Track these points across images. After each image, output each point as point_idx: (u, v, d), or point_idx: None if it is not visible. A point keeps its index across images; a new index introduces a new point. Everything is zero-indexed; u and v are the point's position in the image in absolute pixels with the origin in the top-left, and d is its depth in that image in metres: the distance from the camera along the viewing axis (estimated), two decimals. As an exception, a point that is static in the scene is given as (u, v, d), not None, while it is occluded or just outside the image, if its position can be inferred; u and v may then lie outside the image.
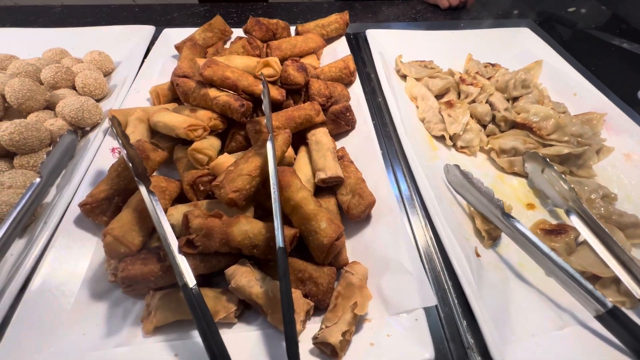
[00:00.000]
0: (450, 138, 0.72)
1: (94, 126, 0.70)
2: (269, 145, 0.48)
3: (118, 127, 0.51)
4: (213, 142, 0.59)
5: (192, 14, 1.17)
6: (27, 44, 0.89)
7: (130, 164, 0.46)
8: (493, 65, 0.90)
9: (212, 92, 0.60)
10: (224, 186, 0.47)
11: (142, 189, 0.45)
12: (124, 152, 0.48)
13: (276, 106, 0.65)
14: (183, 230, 0.44)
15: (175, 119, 0.58)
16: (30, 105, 0.67)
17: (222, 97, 0.59)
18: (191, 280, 0.40)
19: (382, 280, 0.48)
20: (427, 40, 0.99)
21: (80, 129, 0.69)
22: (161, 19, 1.12)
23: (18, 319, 0.42)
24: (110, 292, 0.48)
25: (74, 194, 0.55)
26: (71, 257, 0.49)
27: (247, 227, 0.45)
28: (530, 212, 0.64)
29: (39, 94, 0.68)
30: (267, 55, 0.76)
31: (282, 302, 0.38)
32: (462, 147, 0.72)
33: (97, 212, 0.50)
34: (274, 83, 0.64)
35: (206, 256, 0.46)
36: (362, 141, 0.67)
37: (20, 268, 0.47)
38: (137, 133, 0.61)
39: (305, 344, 0.42)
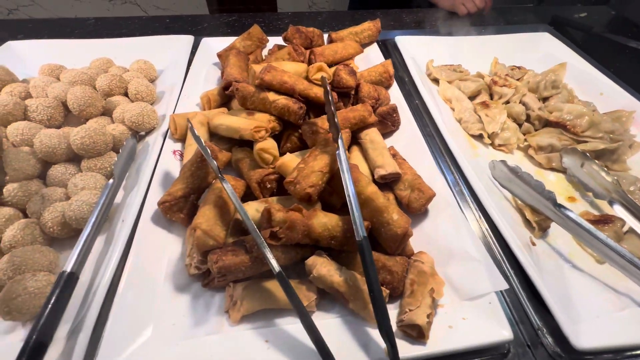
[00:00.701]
0: (489, 136, 0.76)
1: (149, 130, 0.73)
2: (340, 143, 0.51)
3: (193, 130, 0.54)
4: (273, 143, 0.62)
5: (221, 24, 1.22)
6: (69, 54, 0.92)
7: (214, 164, 0.49)
8: (519, 68, 0.94)
9: (271, 96, 0.63)
10: (300, 182, 0.50)
11: (227, 186, 0.47)
12: (207, 153, 0.50)
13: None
14: (264, 223, 0.47)
15: (239, 121, 0.61)
16: (90, 112, 0.70)
17: (281, 100, 0.63)
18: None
19: (449, 268, 0.50)
20: (452, 45, 1.03)
21: (137, 133, 0.72)
22: (192, 29, 1.16)
23: (115, 313, 0.44)
24: (189, 285, 0.51)
25: (146, 194, 0.58)
26: (152, 254, 0.51)
27: (325, 219, 0.48)
28: (572, 205, 0.67)
29: (98, 100, 0.71)
30: (310, 61, 0.80)
31: (372, 288, 0.40)
32: (499, 145, 0.76)
33: (174, 210, 0.53)
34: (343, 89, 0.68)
35: (286, 248, 0.48)
36: (408, 140, 0.70)
37: (106, 264, 0.50)
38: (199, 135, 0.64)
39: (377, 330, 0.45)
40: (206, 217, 0.48)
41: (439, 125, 0.74)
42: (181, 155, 0.67)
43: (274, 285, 0.47)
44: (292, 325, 0.45)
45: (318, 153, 0.54)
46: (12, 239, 0.52)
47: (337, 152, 0.51)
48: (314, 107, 0.67)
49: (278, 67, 0.65)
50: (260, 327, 0.46)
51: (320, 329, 0.43)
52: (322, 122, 0.63)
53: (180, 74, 0.85)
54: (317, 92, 0.66)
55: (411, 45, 0.98)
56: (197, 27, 1.19)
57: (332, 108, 0.53)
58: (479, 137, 0.78)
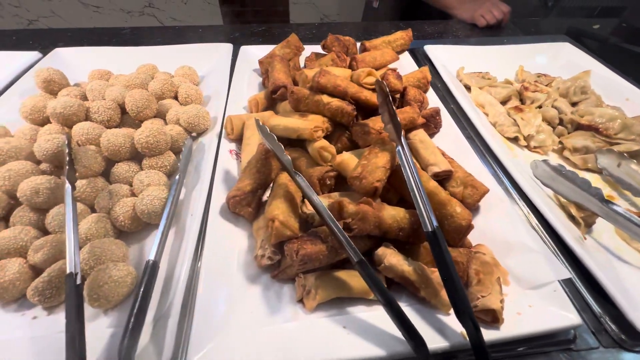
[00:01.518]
0: (524, 139, 0.79)
1: (202, 131, 0.76)
2: (403, 140, 0.54)
3: (265, 129, 0.57)
4: (328, 143, 0.65)
5: (252, 34, 1.26)
6: (114, 61, 0.96)
7: (288, 159, 0.52)
8: (545, 75, 0.99)
9: (325, 99, 0.66)
10: (366, 177, 0.53)
11: (302, 180, 0.50)
12: (280, 150, 0.53)
13: (374, 111, 0.72)
14: (335, 216, 0.50)
15: (296, 122, 0.65)
16: (146, 114, 0.73)
17: (335, 102, 0.66)
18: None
19: (508, 260, 0.53)
20: (477, 54, 1.08)
21: (190, 134, 0.75)
22: (225, 39, 1.21)
23: (201, 301, 0.46)
24: (258, 277, 0.53)
25: (209, 190, 0.61)
26: (223, 246, 0.54)
27: (393, 212, 0.51)
28: (610, 203, 0.70)
29: (153, 103, 0.75)
30: (351, 67, 0.84)
31: (450, 274, 0.43)
32: (535, 147, 0.79)
33: (243, 204, 0.55)
34: (373, 91, 0.71)
35: (355, 239, 0.51)
36: (451, 141, 0.73)
37: (183, 255, 0.52)
38: (256, 135, 0.67)
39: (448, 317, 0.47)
40: (281, 210, 0.50)
41: (478, 127, 0.77)
42: (236, 154, 0.69)
43: (345, 275, 0.49)
44: (366, 313, 0.47)
45: (378, 150, 0.57)
46: (88, 232, 0.54)
47: (397, 148, 0.55)
48: (362, 109, 0.71)
49: (331, 71, 0.68)
50: (334, 315, 0.48)
51: (389, 319, 0.45)
52: (373, 123, 0.66)
53: (224, 79, 0.89)
54: (367, 95, 0.69)
55: (440, 54, 1.03)
56: (229, 37, 1.24)
57: (392, 107, 0.56)
58: (514, 140, 0.81)
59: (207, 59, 0.99)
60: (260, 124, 0.56)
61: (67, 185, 0.53)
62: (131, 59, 0.96)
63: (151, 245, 0.56)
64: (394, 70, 0.74)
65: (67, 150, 0.57)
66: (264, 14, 2.80)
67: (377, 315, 0.46)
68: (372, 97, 0.70)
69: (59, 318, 0.48)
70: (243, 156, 0.66)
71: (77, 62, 0.96)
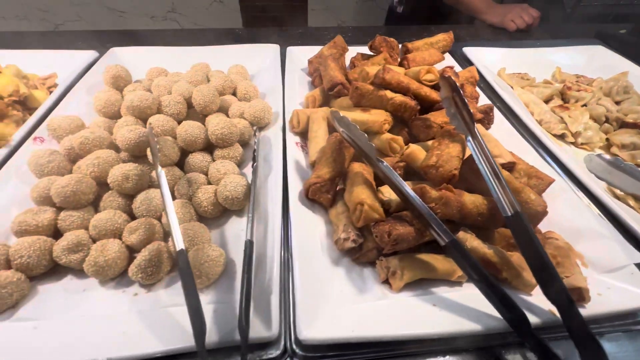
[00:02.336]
0: (572, 135, 0.82)
1: (265, 125, 0.79)
2: (477, 131, 0.57)
3: (344, 120, 0.60)
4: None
5: (290, 36, 1.30)
6: (167, 60, 0.99)
7: (372, 147, 0.55)
8: (582, 76, 1.02)
9: (388, 94, 0.70)
10: (442, 165, 0.56)
11: (384, 166, 0.53)
12: (364, 138, 0.56)
13: (430, 107, 0.75)
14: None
15: (363, 116, 0.68)
16: (211, 108, 0.77)
17: (398, 97, 0.69)
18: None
19: (579, 245, 0.55)
20: (514, 56, 1.11)
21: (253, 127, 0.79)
22: (265, 40, 1.25)
23: (300, 280, 0.48)
24: (339, 260, 0.55)
25: (284, 178, 0.64)
26: (307, 230, 0.56)
27: (472, 198, 0.53)
28: (662, 197, 0.72)
29: (217, 98, 0.78)
30: (402, 66, 0.87)
31: (539, 254, 0.45)
32: (582, 144, 0.82)
33: (322, 191, 0.58)
34: (432, 87, 0.75)
35: (435, 224, 0.53)
36: (505, 136, 0.76)
37: (272, 237, 0.54)
38: (323, 129, 0.70)
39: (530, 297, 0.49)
40: (366, 194, 0.53)
41: (527, 123, 0.80)
42: (301, 146, 0.73)
43: (427, 257, 0.52)
44: (451, 293, 0.50)
45: (448, 142, 0.60)
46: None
47: (467, 139, 0.57)
48: (420, 105, 0.74)
49: (393, 68, 0.72)
50: (421, 294, 0.50)
51: (475, 298, 0.47)
52: (434, 117, 0.69)
53: (274, 77, 0.92)
54: (427, 91, 0.72)
55: (479, 56, 1.06)
56: (268, 38, 1.28)
57: (463, 98, 0.59)
58: (560, 137, 0.84)
59: (254, 59, 1.03)
60: (341, 115, 0.59)
61: (160, 170, 0.55)
62: (183, 58, 1.00)
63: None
64: (450, 67, 0.77)
65: (154, 139, 0.60)
66: (283, 20, 2.86)
67: (463, 295, 0.49)
68: (432, 94, 0.73)
69: (158, 294, 0.51)
70: (311, 147, 0.69)
71: (132, 60, 1.00)
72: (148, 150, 0.64)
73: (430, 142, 0.65)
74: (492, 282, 0.44)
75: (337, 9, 2.87)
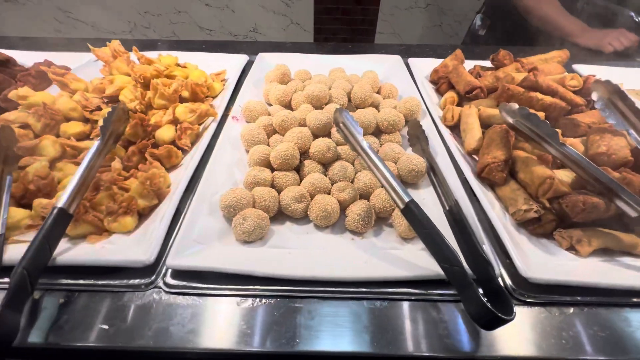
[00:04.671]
0: None
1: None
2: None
3: (526, 110, 0.69)
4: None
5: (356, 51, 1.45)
6: (302, 65, 1.16)
7: (547, 133, 0.63)
8: (701, 94, 1.05)
9: (539, 95, 0.79)
10: (616, 153, 0.63)
11: (567, 147, 0.61)
12: (546, 126, 0.65)
13: (571, 110, 0.83)
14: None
15: (519, 111, 0.77)
16: (367, 102, 0.89)
17: (548, 98, 0.78)
18: None
19: None
20: (622, 74, 1.17)
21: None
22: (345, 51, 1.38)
23: None
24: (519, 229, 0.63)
25: (452, 160, 0.74)
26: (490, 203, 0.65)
27: (650, 181, 0.60)
28: None
29: (372, 93, 0.91)
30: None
31: None
32: None
33: (498, 170, 0.67)
34: (576, 93, 0.83)
35: (614, 202, 0.60)
36: None
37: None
38: (477, 122, 0.80)
39: None
40: (549, 172, 0.61)
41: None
42: (454, 137, 0.83)
43: (610, 229, 0.58)
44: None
45: (612, 136, 0.67)
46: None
47: (630, 132, 0.64)
48: (562, 107, 0.82)
49: (542, 73, 0.81)
50: (605, 260, 0.56)
51: None
52: (582, 117, 0.77)
53: (409, 82, 1.05)
54: (571, 95, 0.81)
55: (593, 73, 1.13)
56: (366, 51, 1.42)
57: (631, 101, 0.67)
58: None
59: (378, 66, 1.16)
60: (516, 107, 0.69)
61: (366, 143, 0.67)
62: (315, 63, 1.16)
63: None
64: (593, 76, 0.86)
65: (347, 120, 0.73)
66: (352, 42, 3.09)
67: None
68: (576, 98, 0.81)
69: (371, 240, 0.61)
70: (468, 137, 0.78)
71: (273, 64, 1.17)
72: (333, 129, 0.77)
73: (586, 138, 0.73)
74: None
75: (403, 33, 3.06)
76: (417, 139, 0.81)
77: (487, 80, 0.95)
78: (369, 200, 0.65)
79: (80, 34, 3.04)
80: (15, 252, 0.51)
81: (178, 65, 1.02)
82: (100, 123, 0.69)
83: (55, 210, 0.52)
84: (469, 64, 1.14)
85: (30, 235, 0.57)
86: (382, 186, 0.61)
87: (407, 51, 1.40)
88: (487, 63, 1.10)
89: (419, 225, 0.52)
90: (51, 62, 1.09)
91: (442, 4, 2.86)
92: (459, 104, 0.95)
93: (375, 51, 1.27)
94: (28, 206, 0.63)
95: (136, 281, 0.51)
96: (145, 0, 2.85)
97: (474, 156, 0.77)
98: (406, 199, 0.54)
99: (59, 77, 0.84)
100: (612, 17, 1.61)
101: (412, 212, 0.53)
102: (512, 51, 1.14)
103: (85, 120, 0.83)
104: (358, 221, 0.60)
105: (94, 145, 0.64)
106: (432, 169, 0.71)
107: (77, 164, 0.72)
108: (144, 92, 0.82)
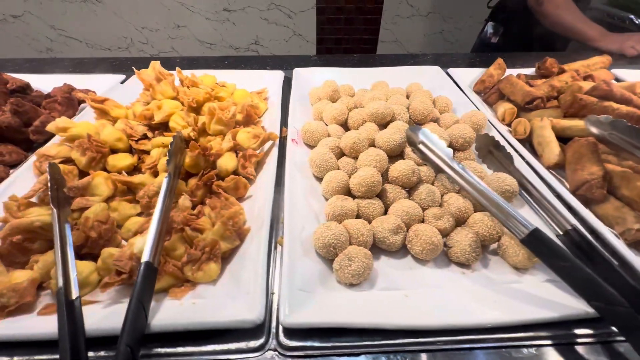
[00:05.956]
0: None
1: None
2: None
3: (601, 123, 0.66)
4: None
5: (360, 62, 1.42)
6: (340, 79, 1.11)
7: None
8: None
9: (614, 104, 0.76)
10: None
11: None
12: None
13: None
14: None
15: (580, 122, 0.74)
16: (428, 118, 0.85)
17: (623, 108, 0.76)
18: None
19: None
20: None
21: (464, 136, 0.86)
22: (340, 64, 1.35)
23: None
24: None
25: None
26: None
27: None
28: None
29: (433, 108, 0.87)
30: (585, 84, 0.95)
31: None
32: None
33: (597, 186, 0.63)
34: (645, 100, 0.81)
35: None
36: None
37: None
38: (553, 134, 0.77)
39: None
40: None
41: None
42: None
43: None
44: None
45: None
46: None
47: None
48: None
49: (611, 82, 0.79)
50: None
51: None
52: (659, 126, 0.75)
53: (456, 93, 1.01)
54: (642, 103, 0.79)
55: (628, 77, 1.13)
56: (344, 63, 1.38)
57: None
58: None
59: (417, 78, 1.13)
60: (607, 118, 0.66)
61: (458, 165, 0.62)
62: (352, 77, 1.11)
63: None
64: None
65: (430, 139, 0.68)
66: (354, 52, 3.08)
67: None
68: (646, 107, 0.79)
69: (482, 273, 0.55)
70: (547, 151, 0.74)
71: (311, 79, 1.12)
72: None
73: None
74: None
75: (405, 41, 3.08)
76: (490, 154, 0.77)
77: (542, 89, 0.92)
78: (461, 227, 0.60)
79: (73, 52, 2.92)
80: (93, 317, 0.44)
81: (216, 84, 0.96)
82: (162, 156, 0.62)
83: (143, 266, 0.45)
84: (458, 72, 1.12)
85: (96, 294, 0.50)
86: (491, 213, 0.56)
87: (407, 59, 1.38)
88: (477, 69, 1.12)
89: (553, 257, 0.47)
90: (72, 87, 1.01)
91: (443, 11, 2.89)
92: (517, 115, 0.92)
93: (383, 61, 1.24)
94: (88, 257, 0.55)
95: (247, 344, 0.44)
96: (143, 16, 2.76)
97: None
98: (529, 227, 0.49)
99: (98, 104, 0.76)
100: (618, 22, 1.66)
101: (541, 243, 0.48)
102: (530, 57, 1.13)
103: (130, 151, 0.75)
104: (470, 253, 0.54)
105: (163, 183, 0.57)
106: (525, 188, 0.67)
107: (131, 202, 0.64)
108: (196, 117, 0.75)
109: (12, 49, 2.84)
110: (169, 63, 1.29)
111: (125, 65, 1.28)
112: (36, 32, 2.80)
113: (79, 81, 1.04)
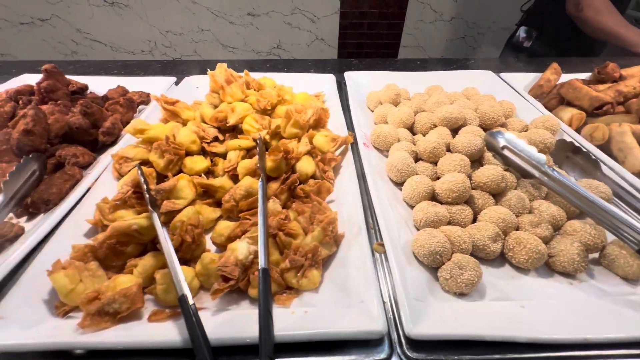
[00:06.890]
0: None
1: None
2: None
3: None
4: None
5: (384, 66, 1.41)
6: (384, 81, 1.10)
7: None
8: None
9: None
10: None
11: None
12: None
13: None
14: None
15: None
16: (497, 122, 0.83)
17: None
18: None
19: None
20: None
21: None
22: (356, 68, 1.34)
23: None
24: None
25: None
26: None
27: None
28: None
29: (502, 113, 0.85)
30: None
31: None
32: None
33: None
34: None
35: None
36: None
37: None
38: (634, 140, 0.75)
39: None
40: None
41: None
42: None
43: None
44: None
45: None
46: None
47: None
48: None
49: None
50: None
51: None
52: None
53: (517, 98, 0.99)
54: None
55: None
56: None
57: None
58: None
59: (471, 83, 1.11)
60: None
61: (555, 171, 0.60)
62: (402, 81, 1.10)
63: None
64: None
65: (518, 144, 0.66)
66: (376, 56, 3.08)
67: None
68: None
69: (591, 283, 0.53)
70: (630, 157, 0.72)
71: (363, 82, 1.11)
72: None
73: None
74: None
75: (427, 46, 3.07)
76: (567, 160, 0.75)
77: (608, 94, 0.91)
78: (561, 235, 0.57)
79: (98, 55, 2.94)
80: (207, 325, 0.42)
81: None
82: (239, 159, 0.60)
83: (262, 273, 0.43)
84: (511, 77, 1.11)
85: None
86: (597, 221, 0.54)
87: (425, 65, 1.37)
88: (529, 74, 1.11)
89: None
90: (126, 89, 1.01)
91: (467, 16, 2.88)
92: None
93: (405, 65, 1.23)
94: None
95: (371, 357, 0.42)
96: (168, 20, 2.79)
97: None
98: (649, 238, 0.47)
99: (170, 106, 0.75)
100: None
101: (665, 253, 0.46)
102: (566, 62, 1.11)
103: (203, 153, 0.74)
104: (579, 262, 0.52)
105: (259, 187, 0.56)
106: (617, 195, 0.65)
107: (212, 205, 0.63)
108: (270, 120, 0.74)
109: (38, 51, 2.88)
110: (191, 66, 1.31)
111: (147, 67, 1.29)
112: (62, 35, 2.83)
113: (131, 83, 1.04)
